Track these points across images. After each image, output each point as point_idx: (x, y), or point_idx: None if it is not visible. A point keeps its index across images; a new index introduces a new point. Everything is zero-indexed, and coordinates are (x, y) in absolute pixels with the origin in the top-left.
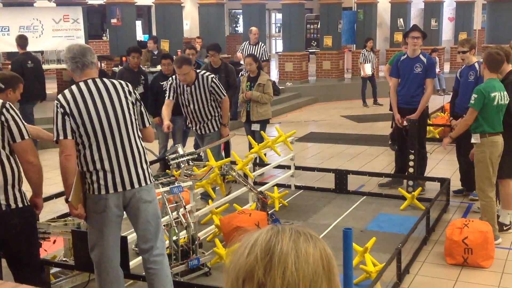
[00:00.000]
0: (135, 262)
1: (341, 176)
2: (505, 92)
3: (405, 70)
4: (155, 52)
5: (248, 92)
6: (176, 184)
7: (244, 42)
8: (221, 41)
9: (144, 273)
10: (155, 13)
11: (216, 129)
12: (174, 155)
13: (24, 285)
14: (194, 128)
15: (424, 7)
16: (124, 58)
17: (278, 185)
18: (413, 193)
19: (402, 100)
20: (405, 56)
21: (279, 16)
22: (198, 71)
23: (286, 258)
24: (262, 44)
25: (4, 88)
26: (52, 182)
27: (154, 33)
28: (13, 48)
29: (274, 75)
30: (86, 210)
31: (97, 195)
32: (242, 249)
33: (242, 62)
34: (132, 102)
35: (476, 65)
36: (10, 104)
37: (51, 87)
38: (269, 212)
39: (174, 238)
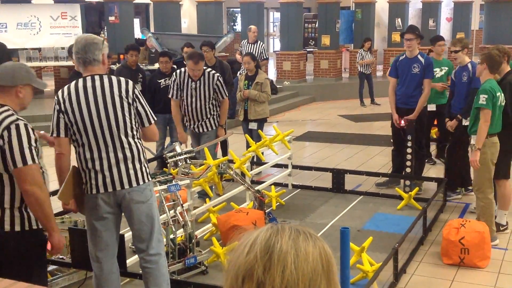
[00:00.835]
0: (132, 260)
1: (338, 175)
2: (502, 93)
3: (403, 70)
4: (153, 50)
5: (246, 91)
6: (174, 183)
7: (243, 41)
8: None
9: (141, 271)
10: (153, 10)
11: (214, 127)
12: (171, 153)
13: (37, 286)
14: (191, 127)
15: (422, 7)
16: (122, 56)
17: (276, 184)
18: (410, 193)
19: (400, 100)
20: (404, 56)
21: (277, 15)
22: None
23: (285, 257)
24: (261, 43)
25: None
26: (51, 179)
27: (152, 31)
28: (12, 45)
29: (272, 74)
30: (84, 207)
31: (90, 194)
32: (242, 248)
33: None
34: (129, 102)
35: (469, 65)
36: (18, 124)
37: (49, 84)
38: (266, 211)
39: (171, 236)
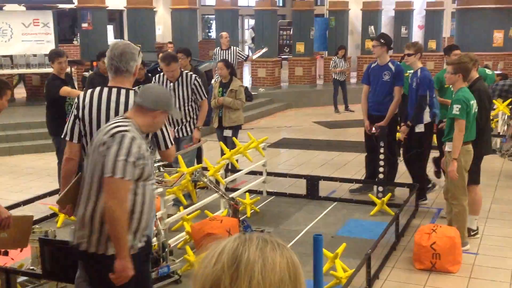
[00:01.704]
0: None
1: (312, 182)
2: (475, 101)
3: (374, 77)
4: None
5: (220, 98)
6: None
7: (216, 48)
8: (193, 46)
9: None
10: (127, 17)
11: (191, 133)
12: None
13: None
14: None
15: (395, 15)
16: (95, 63)
17: (250, 191)
18: (383, 198)
19: (372, 107)
20: (376, 63)
21: (252, 21)
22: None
23: (252, 267)
24: (235, 48)
25: None
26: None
27: (126, 37)
28: None
29: (247, 81)
30: None
31: None
32: (209, 258)
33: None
34: None
35: (418, 72)
36: (125, 135)
37: (20, 92)
38: (240, 219)
39: None
